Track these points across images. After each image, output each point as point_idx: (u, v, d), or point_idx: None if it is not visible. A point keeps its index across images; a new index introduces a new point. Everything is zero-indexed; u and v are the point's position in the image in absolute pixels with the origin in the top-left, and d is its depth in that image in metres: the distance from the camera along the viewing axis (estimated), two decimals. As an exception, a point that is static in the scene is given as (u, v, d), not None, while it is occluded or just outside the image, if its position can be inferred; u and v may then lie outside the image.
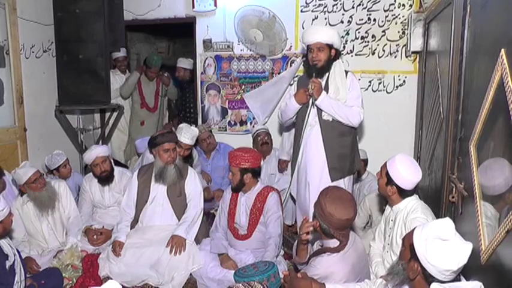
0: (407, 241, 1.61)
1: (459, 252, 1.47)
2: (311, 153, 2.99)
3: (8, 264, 2.42)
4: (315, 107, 2.93)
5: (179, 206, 3.19)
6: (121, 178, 3.46)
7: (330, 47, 2.87)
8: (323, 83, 2.92)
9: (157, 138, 3.18)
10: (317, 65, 2.88)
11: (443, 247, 1.48)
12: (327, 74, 2.93)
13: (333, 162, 2.95)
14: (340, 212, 2.02)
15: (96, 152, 3.36)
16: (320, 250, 2.15)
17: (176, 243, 2.93)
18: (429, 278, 1.51)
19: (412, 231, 1.60)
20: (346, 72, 2.97)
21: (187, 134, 3.47)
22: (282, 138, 4.07)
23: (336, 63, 2.94)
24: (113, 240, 3.10)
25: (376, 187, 3.68)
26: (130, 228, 3.19)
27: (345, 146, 2.97)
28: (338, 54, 2.95)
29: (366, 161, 3.84)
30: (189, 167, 3.32)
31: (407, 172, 2.24)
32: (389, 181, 2.29)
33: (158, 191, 3.19)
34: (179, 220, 3.16)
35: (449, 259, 1.46)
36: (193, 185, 3.22)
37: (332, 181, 2.93)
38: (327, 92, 2.90)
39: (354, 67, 4.05)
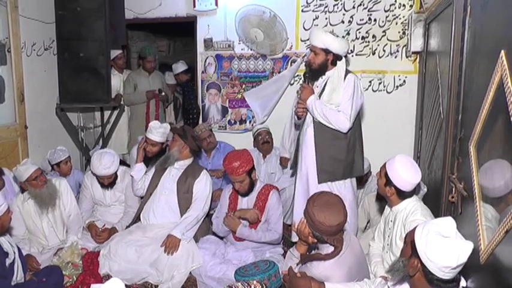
0: (409, 238, 1.62)
1: (459, 249, 1.48)
2: (306, 151, 2.98)
3: (8, 262, 2.42)
4: None
5: (184, 202, 3.19)
6: (124, 177, 3.45)
7: (326, 51, 2.84)
8: (321, 86, 2.92)
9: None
10: (311, 66, 2.91)
11: (443, 243, 1.49)
12: (326, 78, 2.91)
13: (323, 164, 2.90)
14: (330, 219, 1.97)
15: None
16: (315, 256, 2.11)
17: (170, 244, 2.93)
18: (429, 275, 1.52)
19: (415, 228, 1.61)
20: (347, 74, 2.89)
21: (154, 130, 3.37)
22: (283, 136, 4.07)
23: (337, 67, 2.88)
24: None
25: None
26: (133, 223, 3.22)
27: (338, 150, 2.89)
28: (338, 59, 2.88)
29: (368, 172, 3.66)
30: (204, 170, 3.28)
31: (406, 174, 2.23)
32: (388, 182, 2.28)
33: (168, 182, 3.23)
34: (181, 216, 3.15)
35: (448, 256, 1.47)
36: (202, 187, 3.20)
37: (319, 183, 2.89)
38: (321, 95, 2.89)
39: (354, 67, 4.05)
